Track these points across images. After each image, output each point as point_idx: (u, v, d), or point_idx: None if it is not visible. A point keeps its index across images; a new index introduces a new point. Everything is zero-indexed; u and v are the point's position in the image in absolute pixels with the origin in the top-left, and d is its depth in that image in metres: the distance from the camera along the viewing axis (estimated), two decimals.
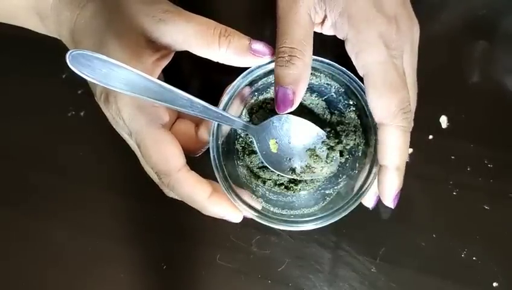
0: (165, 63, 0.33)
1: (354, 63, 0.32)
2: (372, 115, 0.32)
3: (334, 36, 0.33)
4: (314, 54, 0.32)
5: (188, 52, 0.31)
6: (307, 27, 0.30)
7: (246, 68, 0.32)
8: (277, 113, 0.35)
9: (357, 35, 0.31)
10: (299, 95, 0.30)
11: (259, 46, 0.30)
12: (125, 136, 0.32)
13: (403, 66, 0.31)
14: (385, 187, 0.31)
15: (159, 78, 0.32)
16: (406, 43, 0.32)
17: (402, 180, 0.31)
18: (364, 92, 0.32)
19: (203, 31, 0.30)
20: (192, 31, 0.30)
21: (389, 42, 0.30)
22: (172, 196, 0.33)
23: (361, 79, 0.32)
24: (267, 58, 0.31)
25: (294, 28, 0.30)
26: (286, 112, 0.31)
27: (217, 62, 0.31)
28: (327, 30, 0.34)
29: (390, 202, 0.31)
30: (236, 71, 0.32)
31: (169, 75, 0.35)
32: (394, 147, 0.30)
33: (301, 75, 0.30)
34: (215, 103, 0.32)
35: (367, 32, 0.30)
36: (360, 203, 0.32)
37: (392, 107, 0.30)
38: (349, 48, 0.32)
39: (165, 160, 0.30)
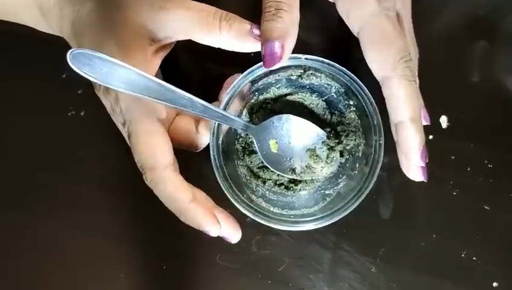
0: (165, 53, 0.32)
1: (347, 22, 0.31)
2: (371, 113, 0.32)
3: (338, 36, 0.33)
4: (315, 54, 0.32)
5: (188, 49, 0.30)
6: None
7: (245, 62, 0.32)
8: (278, 114, 0.35)
9: None
10: (288, 50, 0.29)
11: (260, 29, 0.30)
12: (119, 126, 0.31)
13: (398, 17, 0.31)
14: (408, 145, 0.29)
15: (157, 76, 0.32)
16: None
17: (423, 133, 0.29)
18: (364, 93, 0.32)
19: (203, 17, 0.29)
20: (193, 17, 0.29)
21: None
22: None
23: (360, 77, 0.32)
24: None
25: None
26: (274, 67, 0.29)
27: (217, 55, 0.30)
28: None
29: (418, 159, 0.30)
30: (236, 65, 0.32)
31: (168, 72, 0.35)
32: (403, 98, 0.29)
33: (289, 28, 0.29)
34: (215, 98, 0.32)
35: None
36: (360, 203, 0.32)
37: (390, 58, 0.29)
38: (340, 7, 0.32)
39: (152, 154, 0.29)
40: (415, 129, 0.29)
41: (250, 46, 0.30)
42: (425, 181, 0.31)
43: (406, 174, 0.32)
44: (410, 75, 0.29)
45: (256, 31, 0.30)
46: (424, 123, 0.33)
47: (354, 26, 0.31)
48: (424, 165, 0.30)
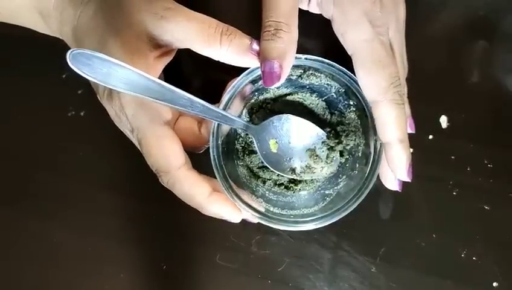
0: (167, 59, 0.33)
1: (341, 42, 0.32)
2: (371, 113, 0.32)
3: (336, 37, 0.33)
4: (315, 55, 0.32)
5: (189, 50, 0.31)
6: (292, 1, 0.30)
7: (247, 67, 0.32)
8: (277, 114, 0.35)
9: (342, 15, 0.32)
10: (286, 69, 0.30)
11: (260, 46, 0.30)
12: (128, 133, 0.32)
13: (390, 42, 0.32)
14: (395, 163, 0.31)
15: (159, 77, 0.32)
16: (391, 20, 0.33)
17: (409, 152, 0.31)
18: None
19: (205, 29, 0.29)
20: (194, 29, 0.29)
21: (374, 20, 0.31)
22: None
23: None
24: None
25: (280, 2, 0.29)
26: (273, 86, 0.30)
27: (218, 61, 0.31)
28: (313, 8, 0.35)
29: (404, 175, 0.32)
30: (237, 70, 0.32)
31: (170, 74, 0.35)
32: (391, 121, 0.30)
33: (287, 48, 0.29)
34: (216, 102, 0.32)
35: (351, 11, 0.31)
36: (360, 203, 0.32)
37: (382, 83, 0.30)
38: (336, 28, 0.33)
39: (165, 157, 0.30)
40: (403, 149, 0.31)
41: (250, 62, 0.30)
42: (400, 191, 0.34)
43: (384, 184, 0.34)
44: (399, 99, 0.31)
45: (256, 47, 0.30)
46: (409, 131, 0.34)
47: (348, 48, 0.32)
48: (409, 180, 0.32)
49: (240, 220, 0.32)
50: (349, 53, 0.32)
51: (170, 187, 0.31)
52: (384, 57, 0.31)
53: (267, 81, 0.30)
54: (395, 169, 0.32)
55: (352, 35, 0.31)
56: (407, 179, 0.32)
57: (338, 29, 0.32)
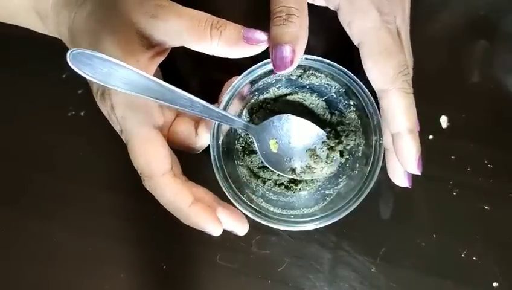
0: (160, 59, 0.32)
1: (348, 32, 0.32)
2: (371, 114, 0.32)
3: (339, 36, 0.33)
4: (315, 54, 0.32)
5: (185, 49, 0.30)
6: None
7: (245, 65, 0.31)
8: (278, 114, 0.35)
9: (349, 3, 0.31)
10: (299, 54, 0.29)
11: (252, 33, 0.29)
12: (119, 133, 0.32)
13: (398, 30, 0.31)
14: (404, 154, 0.30)
15: (157, 76, 0.32)
16: (398, 9, 0.32)
17: (419, 143, 0.31)
18: (364, 93, 0.32)
19: (195, 24, 0.29)
20: (184, 26, 0.29)
21: (382, 8, 0.31)
22: None
23: (361, 77, 0.32)
24: (263, 46, 0.29)
25: None
26: (285, 72, 0.29)
27: (218, 59, 0.30)
28: (319, 1, 0.34)
29: (414, 168, 0.31)
30: (237, 68, 0.32)
31: (170, 73, 0.35)
32: (401, 110, 0.30)
33: (300, 33, 0.29)
34: (214, 101, 0.32)
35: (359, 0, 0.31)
36: (360, 203, 0.32)
37: (390, 72, 0.30)
38: (342, 17, 0.32)
39: (147, 163, 0.29)
40: (412, 140, 0.30)
41: (244, 51, 0.29)
42: (410, 188, 0.33)
43: (392, 180, 0.33)
44: (408, 88, 0.30)
45: (249, 34, 0.29)
46: None
47: (355, 37, 0.31)
48: (418, 173, 0.31)
49: (220, 233, 0.31)
50: (356, 43, 0.31)
51: (152, 192, 0.30)
52: (391, 45, 0.30)
53: (279, 67, 0.29)
54: (404, 161, 0.31)
55: (359, 24, 0.31)
56: (417, 172, 0.31)
57: (344, 19, 0.32)
